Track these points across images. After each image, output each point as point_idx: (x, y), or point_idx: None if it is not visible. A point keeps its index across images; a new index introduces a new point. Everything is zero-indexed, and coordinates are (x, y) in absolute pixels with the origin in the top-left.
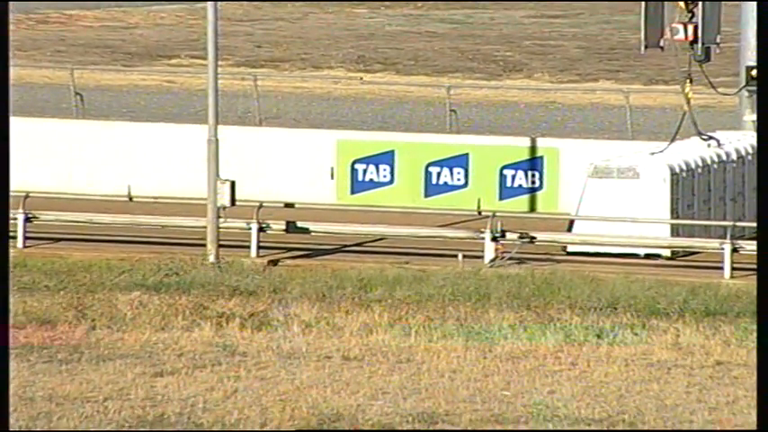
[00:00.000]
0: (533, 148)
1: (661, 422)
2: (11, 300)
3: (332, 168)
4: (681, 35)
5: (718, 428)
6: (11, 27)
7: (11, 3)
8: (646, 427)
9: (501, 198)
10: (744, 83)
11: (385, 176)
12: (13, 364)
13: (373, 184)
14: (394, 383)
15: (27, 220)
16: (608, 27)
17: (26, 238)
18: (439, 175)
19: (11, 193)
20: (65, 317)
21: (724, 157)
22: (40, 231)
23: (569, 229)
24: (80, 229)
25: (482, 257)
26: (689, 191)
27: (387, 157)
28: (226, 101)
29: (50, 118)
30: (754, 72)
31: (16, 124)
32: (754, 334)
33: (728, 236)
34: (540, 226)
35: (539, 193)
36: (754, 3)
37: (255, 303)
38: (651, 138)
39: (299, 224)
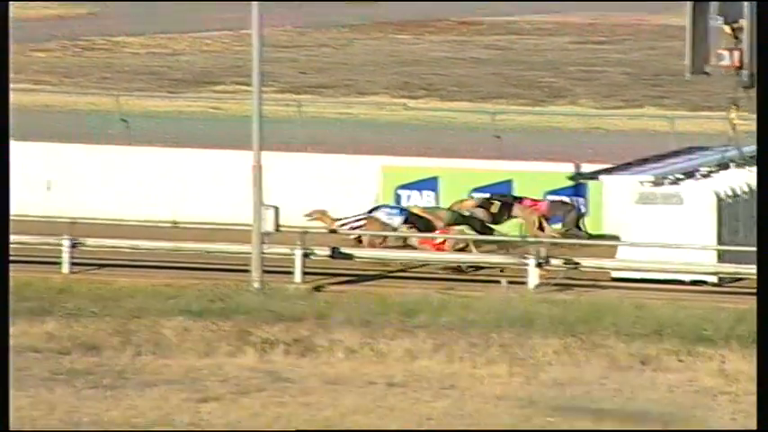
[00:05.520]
0: (578, 174)
1: None
2: (57, 325)
3: (377, 194)
4: (726, 61)
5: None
6: (58, 54)
7: (62, 31)
8: None
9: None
10: None
11: (429, 202)
12: (58, 390)
13: None
14: (438, 410)
15: (73, 245)
16: (653, 53)
17: (72, 264)
18: None
19: (58, 219)
20: (110, 342)
21: None
22: (87, 257)
23: (614, 256)
24: (125, 255)
25: (527, 283)
26: (734, 216)
27: (431, 183)
28: (270, 127)
29: (96, 144)
30: None
31: (63, 151)
32: None
33: None
34: (585, 252)
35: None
36: None
37: (299, 329)
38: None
39: (344, 250)
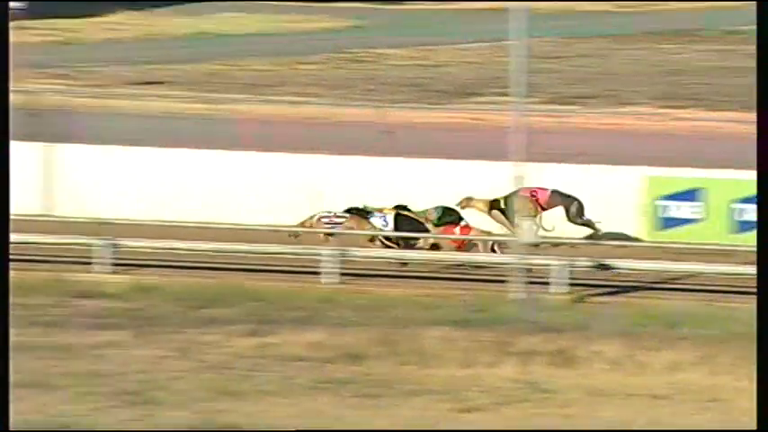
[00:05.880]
0: None
1: None
2: (321, 335)
3: (642, 205)
4: None
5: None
6: (322, 66)
7: (327, 44)
8: None
9: None
10: None
11: (694, 213)
12: (322, 398)
13: (681, 221)
14: (700, 423)
15: (339, 256)
16: None
17: (342, 275)
18: (748, 212)
19: (324, 231)
20: (373, 352)
21: None
22: (351, 268)
23: None
24: (389, 266)
25: None
26: None
27: (695, 194)
28: (532, 138)
29: (358, 155)
30: None
31: (327, 162)
32: None
33: None
34: None
35: None
36: None
37: (560, 340)
38: None
39: (605, 261)
